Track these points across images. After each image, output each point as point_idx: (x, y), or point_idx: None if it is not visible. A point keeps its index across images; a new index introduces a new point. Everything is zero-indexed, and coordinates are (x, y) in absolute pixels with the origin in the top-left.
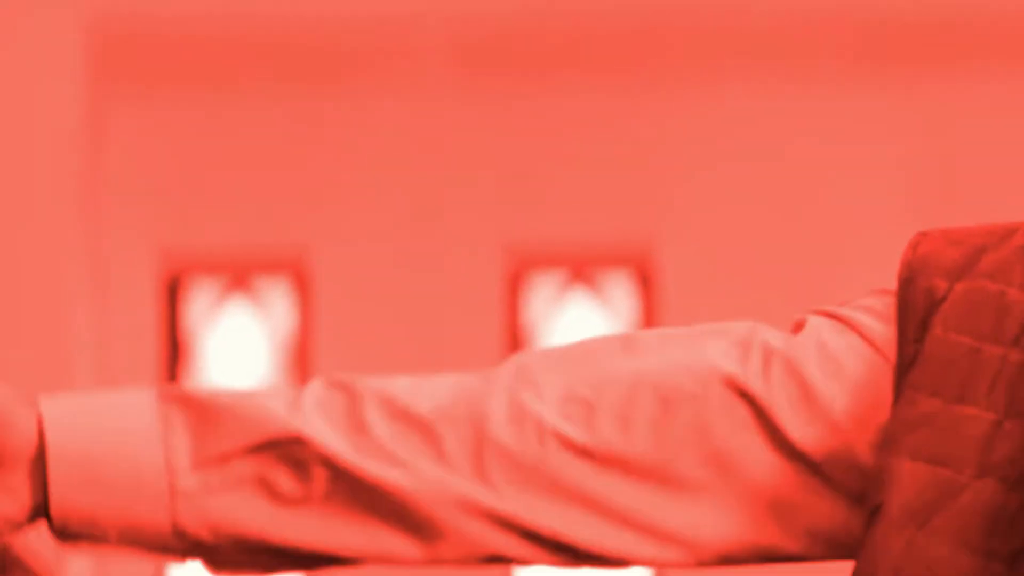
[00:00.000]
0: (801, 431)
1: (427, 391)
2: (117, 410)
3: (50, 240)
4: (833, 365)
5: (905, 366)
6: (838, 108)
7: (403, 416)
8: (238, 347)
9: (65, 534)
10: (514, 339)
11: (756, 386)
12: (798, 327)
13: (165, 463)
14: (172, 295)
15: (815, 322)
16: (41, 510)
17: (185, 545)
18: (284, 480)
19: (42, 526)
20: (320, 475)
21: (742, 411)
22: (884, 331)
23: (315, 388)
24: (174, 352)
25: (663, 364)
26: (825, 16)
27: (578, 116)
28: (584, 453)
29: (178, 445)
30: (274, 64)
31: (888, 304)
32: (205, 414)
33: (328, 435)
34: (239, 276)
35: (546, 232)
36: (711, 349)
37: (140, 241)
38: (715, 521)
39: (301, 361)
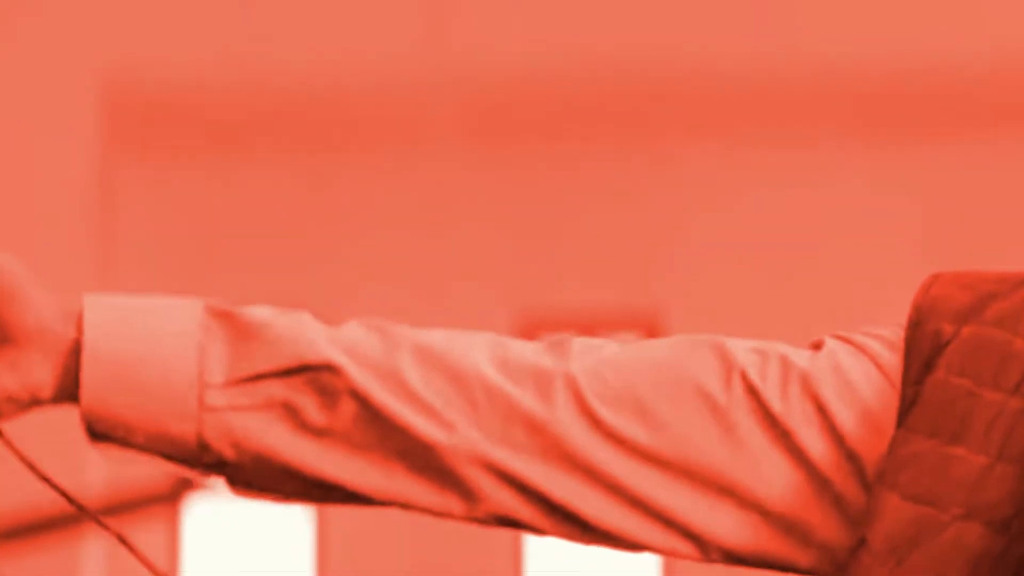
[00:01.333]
0: (818, 450)
1: (462, 345)
2: (163, 313)
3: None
4: (848, 389)
5: (906, 407)
6: (845, 172)
7: (437, 365)
8: None
9: (94, 434)
10: None
11: (775, 399)
12: (815, 348)
13: (198, 375)
14: None
15: (832, 344)
16: (63, 399)
17: (209, 459)
18: (311, 407)
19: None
20: (348, 407)
21: (762, 422)
22: (894, 360)
23: (353, 326)
24: None
25: (685, 359)
26: (832, 82)
27: (586, 183)
28: (609, 436)
29: (214, 359)
30: (283, 131)
31: (901, 336)
32: (245, 331)
33: (361, 370)
34: None
35: (554, 295)
36: (733, 351)
37: None
38: (730, 522)
39: None
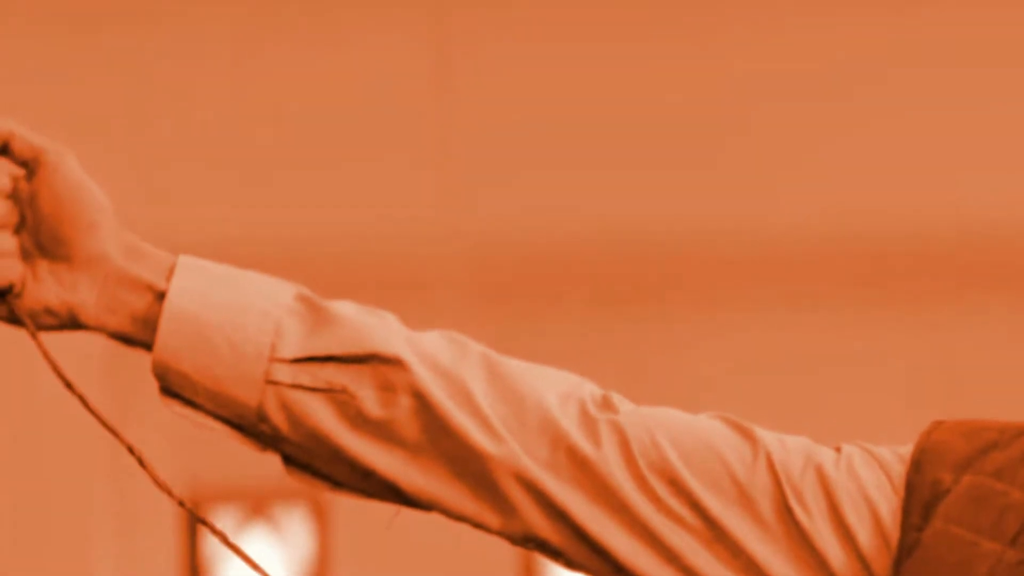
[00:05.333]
0: (833, 552)
1: (535, 374)
2: (252, 287)
3: (75, 469)
4: (862, 496)
5: (904, 552)
6: (843, 335)
7: (501, 383)
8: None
9: (164, 389)
10: None
11: (792, 494)
12: (835, 451)
13: (270, 348)
14: (192, 523)
15: (849, 450)
16: (119, 337)
17: (267, 429)
18: (370, 398)
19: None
20: (406, 403)
21: (781, 514)
22: (904, 474)
23: (433, 334)
24: None
25: (717, 438)
26: (830, 245)
27: (592, 347)
28: (648, 492)
29: (289, 336)
30: None
31: (910, 455)
32: (325, 317)
33: (427, 371)
34: (258, 504)
35: None
36: (760, 437)
37: (162, 469)
38: None
39: None
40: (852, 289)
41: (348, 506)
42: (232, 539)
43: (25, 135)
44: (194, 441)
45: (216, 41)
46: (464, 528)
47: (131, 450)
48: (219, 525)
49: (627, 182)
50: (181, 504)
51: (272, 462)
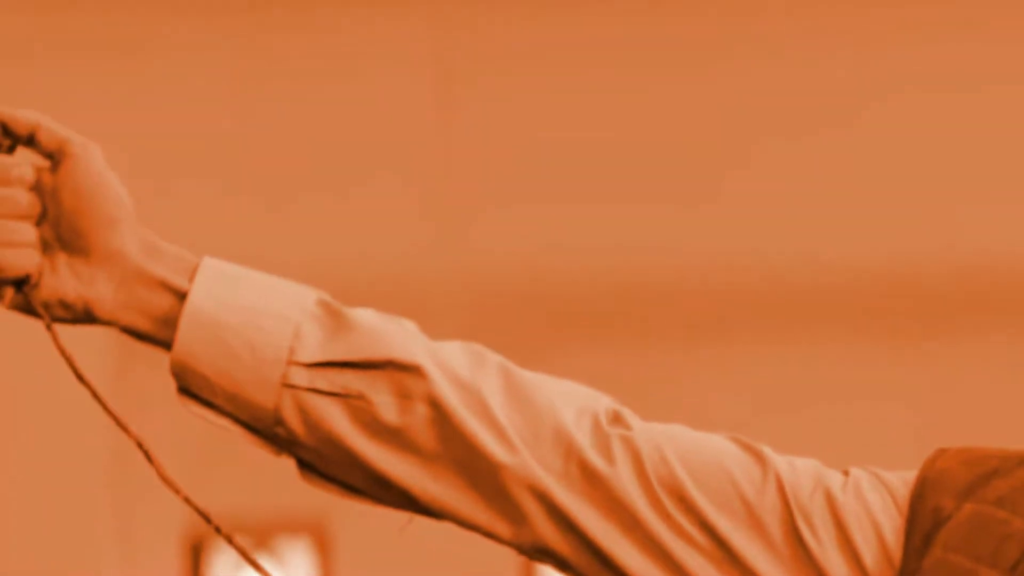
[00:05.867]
0: (840, 572)
1: (552, 387)
2: (273, 292)
3: (77, 502)
4: (868, 518)
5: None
6: (845, 367)
7: (518, 395)
8: None
9: (182, 389)
10: None
11: (800, 516)
12: (843, 475)
13: (288, 351)
14: (195, 557)
15: (857, 474)
16: (135, 334)
17: (283, 432)
18: (386, 405)
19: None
20: (422, 412)
21: (789, 534)
22: (908, 497)
23: (452, 344)
24: None
25: (727, 458)
26: (832, 278)
27: (589, 377)
28: (660, 510)
29: (307, 340)
30: None
31: (914, 480)
32: (345, 322)
33: (445, 380)
34: (262, 537)
35: None
36: (770, 458)
37: (164, 503)
38: None
39: None
40: (854, 322)
41: (351, 538)
42: (234, 566)
43: (51, 126)
44: (197, 473)
45: (217, 70)
46: (468, 560)
47: (139, 445)
48: (222, 558)
49: (628, 214)
50: (187, 501)
51: (275, 494)
